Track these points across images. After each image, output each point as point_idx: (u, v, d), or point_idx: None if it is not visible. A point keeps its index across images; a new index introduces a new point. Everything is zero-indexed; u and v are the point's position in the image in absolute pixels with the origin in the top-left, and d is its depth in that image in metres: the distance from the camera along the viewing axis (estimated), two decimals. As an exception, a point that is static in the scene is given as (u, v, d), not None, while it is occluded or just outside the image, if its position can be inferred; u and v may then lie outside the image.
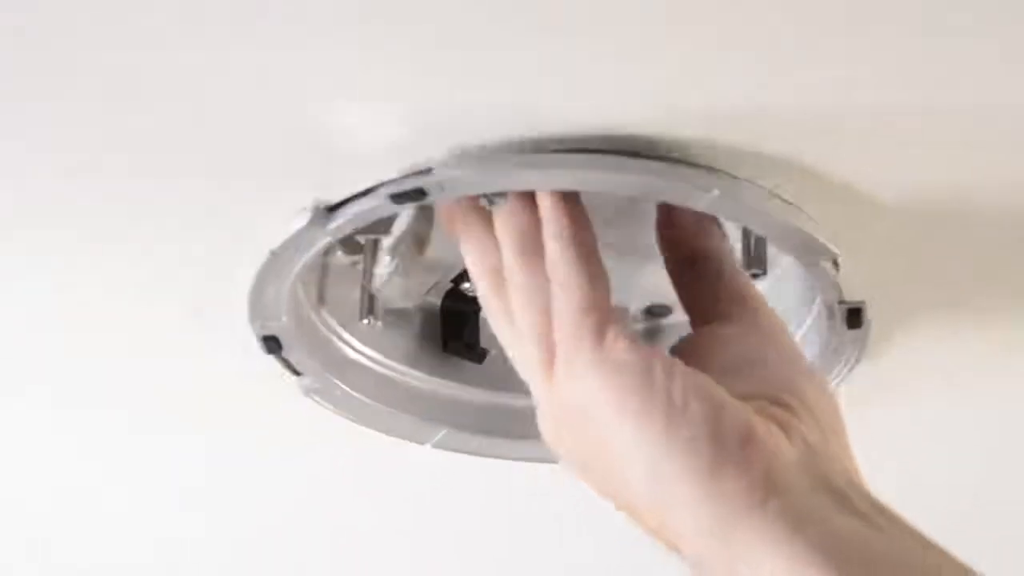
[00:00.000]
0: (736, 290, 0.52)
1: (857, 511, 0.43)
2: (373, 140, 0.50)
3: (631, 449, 0.45)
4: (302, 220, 0.52)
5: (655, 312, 0.65)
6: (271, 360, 0.61)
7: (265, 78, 0.46)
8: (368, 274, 0.60)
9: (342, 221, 0.52)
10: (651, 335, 0.66)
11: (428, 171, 0.49)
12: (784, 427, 0.45)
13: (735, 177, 0.51)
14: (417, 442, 0.66)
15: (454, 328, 0.65)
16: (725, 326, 0.51)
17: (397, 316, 0.63)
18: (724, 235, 0.54)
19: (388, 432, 0.66)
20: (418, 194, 0.50)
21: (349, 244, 0.57)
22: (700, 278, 0.52)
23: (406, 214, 0.53)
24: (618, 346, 0.47)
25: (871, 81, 0.47)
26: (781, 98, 0.48)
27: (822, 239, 0.53)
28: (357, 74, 0.47)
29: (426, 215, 0.56)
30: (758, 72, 0.47)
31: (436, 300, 0.64)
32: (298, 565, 0.85)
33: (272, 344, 0.60)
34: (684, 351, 0.50)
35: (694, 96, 0.48)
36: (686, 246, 0.53)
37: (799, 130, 0.50)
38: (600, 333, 0.47)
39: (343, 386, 0.64)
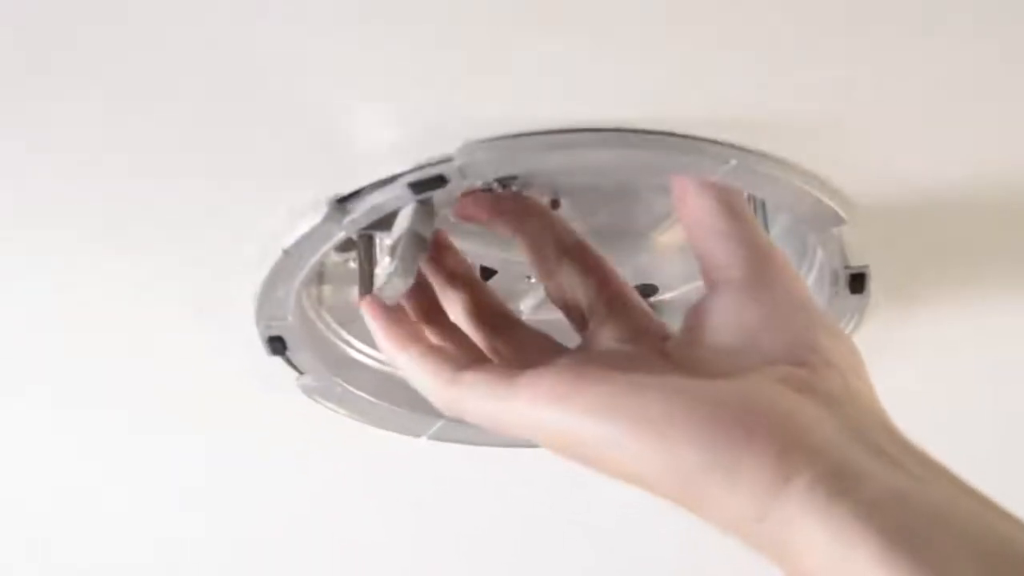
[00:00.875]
0: (751, 245, 0.50)
1: (896, 462, 0.42)
2: (374, 139, 0.50)
3: (634, 473, 0.45)
4: (316, 216, 0.52)
5: (642, 292, 0.66)
6: (271, 360, 0.61)
7: (265, 78, 0.46)
8: (367, 273, 0.61)
9: (358, 214, 0.52)
10: None
11: (448, 158, 0.50)
12: (806, 388, 0.44)
13: (751, 150, 0.51)
14: (413, 435, 0.66)
15: None
16: (736, 287, 0.49)
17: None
18: (741, 192, 0.53)
19: (385, 427, 0.66)
20: (438, 181, 0.50)
21: (342, 242, 0.58)
22: (717, 238, 0.50)
23: (406, 214, 0.53)
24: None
25: (871, 81, 0.47)
26: (781, 98, 0.48)
27: (834, 205, 0.53)
28: (357, 74, 0.47)
29: (427, 215, 0.56)
30: (758, 72, 0.47)
31: None
32: (299, 565, 0.86)
33: (277, 345, 0.60)
34: (696, 325, 0.49)
35: (694, 96, 0.48)
36: (706, 210, 0.51)
37: (799, 130, 0.50)
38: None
39: (343, 384, 0.64)
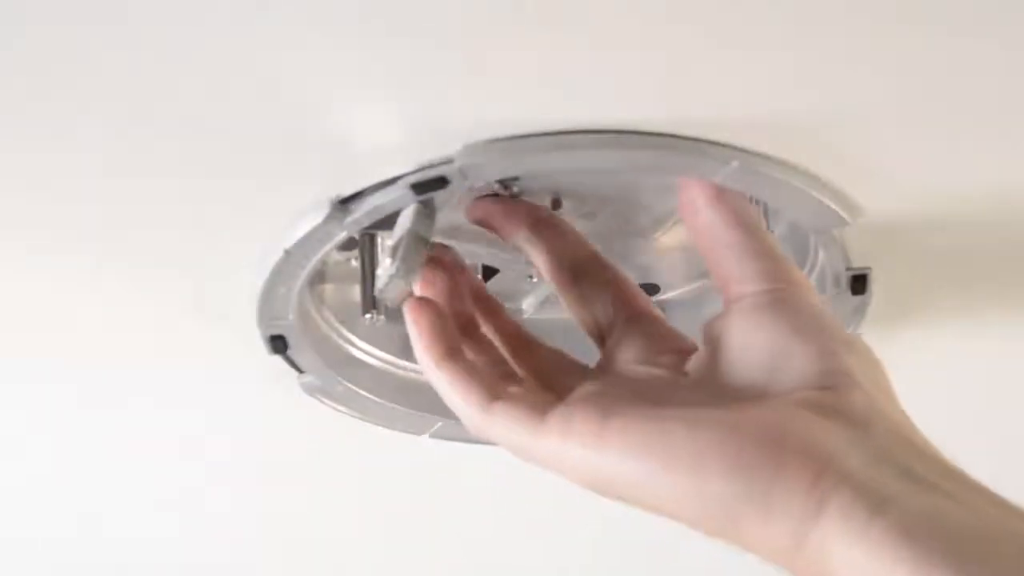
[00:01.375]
0: (765, 257, 0.49)
1: (926, 481, 0.42)
2: (375, 140, 0.50)
3: (666, 508, 0.45)
4: (318, 216, 0.52)
5: (645, 292, 0.65)
6: (272, 358, 0.61)
7: (265, 78, 0.46)
8: (368, 272, 0.61)
9: (359, 215, 0.52)
10: None
11: (449, 160, 0.50)
12: (832, 412, 0.44)
13: (752, 151, 0.51)
14: (414, 433, 0.66)
15: None
16: (752, 305, 0.48)
17: (391, 310, 0.64)
18: (746, 199, 0.52)
19: (387, 425, 0.66)
20: (439, 183, 0.50)
21: (344, 241, 0.58)
22: (729, 250, 0.50)
23: (407, 215, 0.53)
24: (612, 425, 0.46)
25: (871, 81, 0.47)
26: (782, 99, 0.48)
27: (836, 207, 0.53)
28: (357, 74, 0.47)
29: (428, 216, 0.56)
30: (758, 72, 0.47)
31: None
32: (300, 564, 0.86)
33: (279, 344, 0.60)
34: (716, 344, 0.49)
35: (695, 97, 0.48)
36: (717, 222, 0.51)
37: (800, 131, 0.50)
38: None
39: (344, 382, 0.64)
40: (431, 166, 0.50)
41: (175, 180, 0.52)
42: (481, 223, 0.56)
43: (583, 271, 0.54)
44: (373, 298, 0.62)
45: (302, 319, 0.60)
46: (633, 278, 0.64)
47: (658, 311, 0.54)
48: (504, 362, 0.54)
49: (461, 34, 0.45)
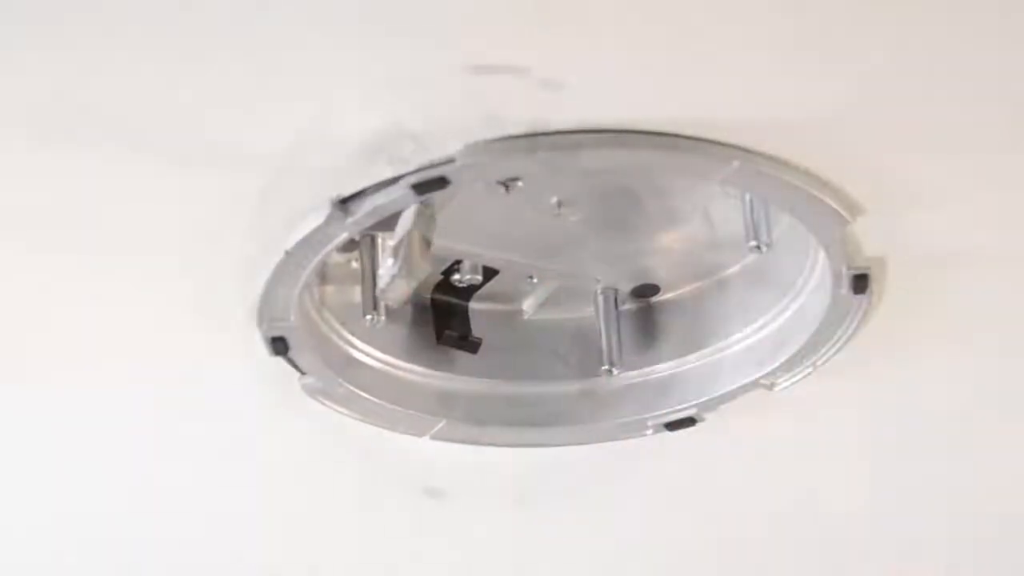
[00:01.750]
0: None
1: None
2: (373, 139, 0.50)
3: None
4: (319, 217, 0.52)
5: (644, 292, 0.66)
6: (273, 360, 0.61)
7: (265, 78, 0.46)
8: (369, 273, 0.61)
9: (360, 215, 0.52)
10: (642, 316, 0.66)
11: (450, 159, 0.50)
12: None
13: (753, 151, 0.51)
14: (415, 435, 0.66)
15: (445, 320, 0.65)
16: None
17: (392, 312, 0.64)
18: None
19: (388, 427, 0.66)
20: (440, 182, 0.50)
21: (345, 242, 0.58)
22: None
23: (409, 215, 0.53)
24: None
25: (873, 81, 0.47)
26: (783, 98, 0.48)
27: (838, 207, 0.53)
28: (357, 74, 0.47)
29: (429, 216, 0.56)
30: (760, 72, 0.47)
31: (426, 293, 0.65)
32: (300, 564, 0.85)
33: (280, 345, 0.60)
34: None
35: (696, 97, 0.48)
36: None
37: (802, 131, 0.50)
38: None
39: (345, 384, 0.64)
40: (432, 166, 0.50)
41: (175, 180, 0.52)
42: None
43: None
44: (374, 299, 0.61)
45: (303, 320, 0.60)
46: (633, 278, 0.64)
47: None
48: None
49: (461, 34, 0.45)
